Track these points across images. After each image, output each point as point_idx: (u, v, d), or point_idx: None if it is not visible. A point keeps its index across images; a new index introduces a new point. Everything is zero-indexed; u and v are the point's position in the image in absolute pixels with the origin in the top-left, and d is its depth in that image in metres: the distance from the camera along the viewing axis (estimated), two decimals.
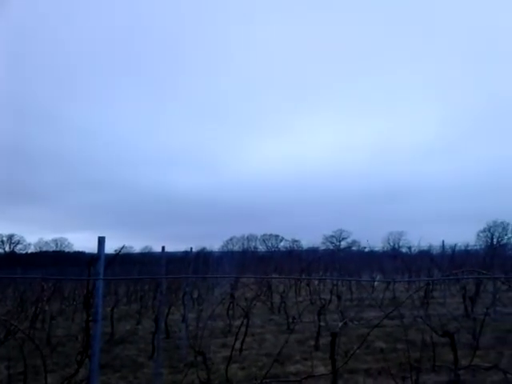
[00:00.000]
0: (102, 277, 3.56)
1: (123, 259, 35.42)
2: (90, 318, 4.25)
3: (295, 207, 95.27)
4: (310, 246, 68.02)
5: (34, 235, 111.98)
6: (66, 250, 78.05)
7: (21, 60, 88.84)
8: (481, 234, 66.44)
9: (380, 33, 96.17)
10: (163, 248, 6.77)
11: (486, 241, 62.81)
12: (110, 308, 12.00)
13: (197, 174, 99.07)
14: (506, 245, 58.71)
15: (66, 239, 78.92)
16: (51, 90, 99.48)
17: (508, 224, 66.49)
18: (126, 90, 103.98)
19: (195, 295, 17.05)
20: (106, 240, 3.93)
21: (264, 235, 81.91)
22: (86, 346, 3.74)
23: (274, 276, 23.56)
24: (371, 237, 72.14)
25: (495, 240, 64.29)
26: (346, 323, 11.33)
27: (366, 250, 55.21)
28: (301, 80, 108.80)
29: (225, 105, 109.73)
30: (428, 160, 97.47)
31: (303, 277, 23.41)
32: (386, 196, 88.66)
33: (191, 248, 10.42)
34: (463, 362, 5.93)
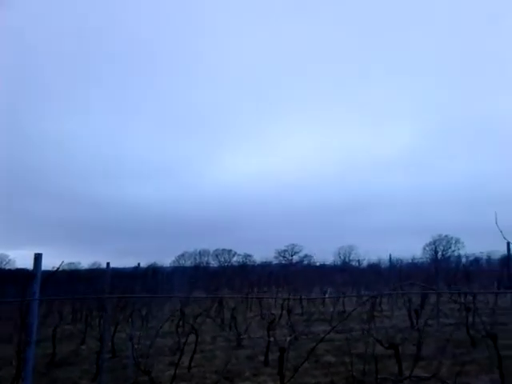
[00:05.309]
0: (37, 297, 3.38)
1: (70, 276, 34.00)
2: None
3: (250, 221, 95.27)
4: (263, 260, 68.23)
5: None
6: (7, 267, 73.84)
7: None
8: (427, 248, 69.18)
9: (354, 45, 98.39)
10: (108, 264, 6.55)
11: (432, 254, 65.39)
12: (52, 328, 11.43)
13: (153, 188, 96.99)
14: (449, 258, 61.48)
15: (7, 256, 74.82)
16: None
17: (452, 238, 69.81)
18: (89, 99, 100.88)
19: (144, 312, 16.57)
20: (53, 256, 3.78)
21: (216, 250, 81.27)
22: (19, 370, 3.53)
23: (222, 295, 23.37)
24: (323, 251, 73.23)
25: (440, 253, 67.10)
26: (295, 338, 11.38)
27: (317, 263, 56.15)
28: (272, 90, 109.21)
29: (191, 116, 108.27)
30: (388, 174, 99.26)
31: (254, 292, 23.37)
32: (343, 210, 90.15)
33: (139, 263, 10.17)
34: (407, 373, 6.08)
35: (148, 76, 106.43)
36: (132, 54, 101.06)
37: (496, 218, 4.01)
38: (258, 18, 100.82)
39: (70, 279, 30.46)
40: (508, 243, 8.73)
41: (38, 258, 3.64)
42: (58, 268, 4.10)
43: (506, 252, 10.95)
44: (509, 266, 10.84)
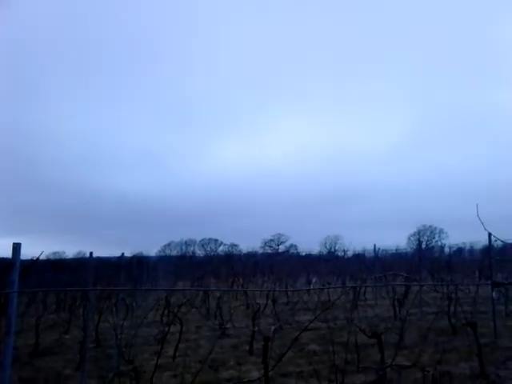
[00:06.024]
0: (16, 286, 3.33)
1: (54, 265, 33.68)
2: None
3: (236, 211, 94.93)
4: (249, 250, 68.44)
5: None
6: None
7: None
8: (411, 238, 70.02)
9: (345, 40, 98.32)
10: (91, 254, 6.49)
11: (416, 244, 66.22)
12: (35, 318, 11.32)
13: (140, 178, 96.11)
14: (433, 248, 62.43)
15: None
16: None
17: (436, 228, 70.79)
18: (78, 87, 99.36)
19: (129, 301, 16.51)
20: (37, 245, 3.72)
21: (203, 240, 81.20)
22: None
23: (207, 286, 23.40)
24: (309, 241, 73.56)
25: (424, 243, 68.00)
26: (281, 327, 11.46)
27: (303, 253, 56.53)
28: (263, 83, 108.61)
29: (178, 106, 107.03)
30: (375, 167, 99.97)
31: (239, 282, 23.46)
32: (329, 201, 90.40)
33: (123, 253, 10.10)
34: (389, 362, 6.15)
35: (140, 65, 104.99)
36: (125, 43, 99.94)
37: (477, 210, 4.05)
38: (254, 14, 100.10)
39: (54, 268, 30.20)
40: (489, 234, 8.86)
41: (16, 247, 3.57)
42: (38, 258, 4.04)
43: (487, 242, 11.14)
44: (490, 256, 11.03)
